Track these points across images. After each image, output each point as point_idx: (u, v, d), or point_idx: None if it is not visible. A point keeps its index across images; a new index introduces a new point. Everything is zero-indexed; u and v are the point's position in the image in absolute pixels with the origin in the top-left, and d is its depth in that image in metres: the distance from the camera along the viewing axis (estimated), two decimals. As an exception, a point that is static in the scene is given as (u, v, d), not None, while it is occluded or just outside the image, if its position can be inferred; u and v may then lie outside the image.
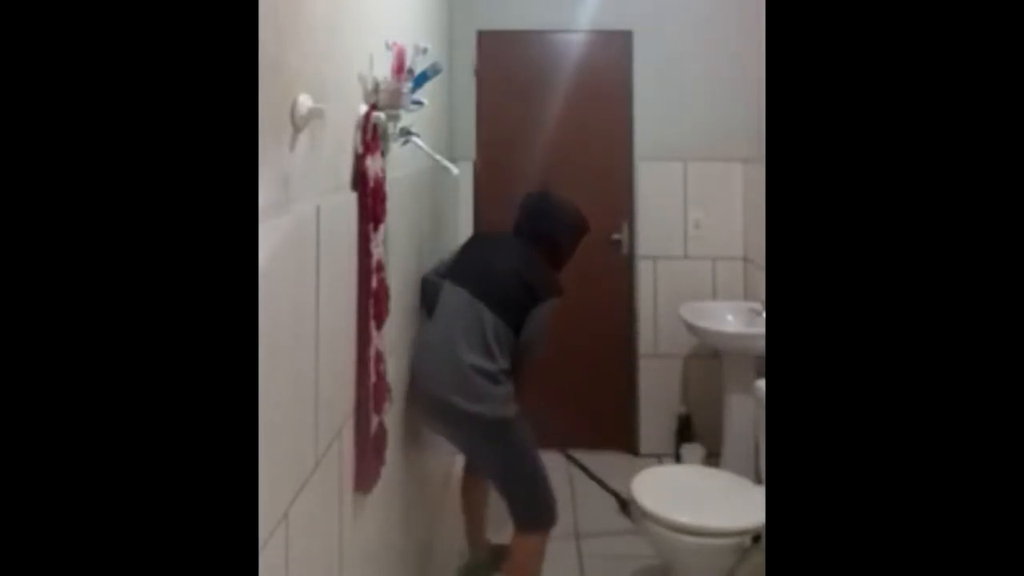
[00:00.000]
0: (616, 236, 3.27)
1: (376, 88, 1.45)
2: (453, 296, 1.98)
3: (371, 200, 1.36)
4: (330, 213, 1.18)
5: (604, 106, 3.25)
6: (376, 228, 1.39)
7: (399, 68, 1.54)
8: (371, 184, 1.35)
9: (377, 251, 1.40)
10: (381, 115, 1.41)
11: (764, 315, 2.66)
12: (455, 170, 1.92)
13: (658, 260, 3.24)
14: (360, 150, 1.34)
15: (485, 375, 1.88)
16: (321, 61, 1.12)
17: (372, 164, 1.36)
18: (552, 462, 3.12)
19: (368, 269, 1.36)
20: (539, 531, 1.98)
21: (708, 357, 3.17)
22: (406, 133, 1.65)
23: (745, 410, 2.63)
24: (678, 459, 3.12)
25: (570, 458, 2.87)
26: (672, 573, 2.06)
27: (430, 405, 1.92)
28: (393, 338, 1.74)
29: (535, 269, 2.04)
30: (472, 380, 1.87)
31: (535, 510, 1.97)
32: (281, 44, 0.95)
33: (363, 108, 1.37)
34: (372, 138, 1.36)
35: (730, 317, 2.86)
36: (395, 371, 1.77)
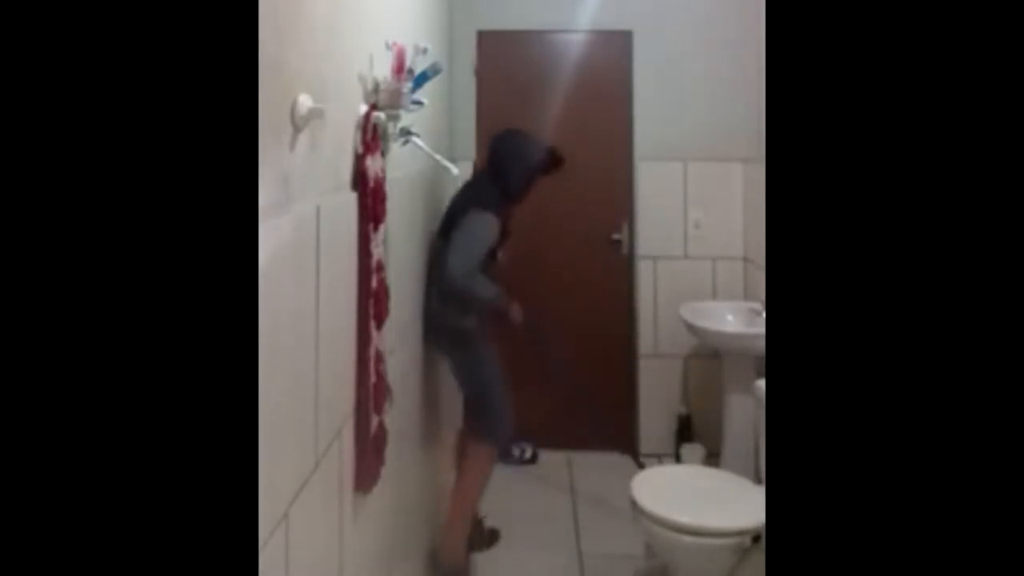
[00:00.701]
0: (616, 236, 3.27)
1: (376, 88, 1.45)
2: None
3: (371, 200, 1.36)
4: (330, 213, 1.18)
5: (604, 106, 3.25)
6: (376, 228, 1.39)
7: (399, 68, 1.54)
8: (371, 184, 1.35)
9: (377, 251, 1.40)
10: (381, 115, 1.41)
11: (764, 315, 2.66)
12: (455, 170, 1.92)
13: (658, 260, 3.24)
14: (360, 150, 1.34)
15: (441, 292, 2.23)
16: (321, 61, 1.12)
17: (372, 164, 1.36)
18: (553, 462, 3.14)
19: (368, 269, 1.36)
20: (487, 440, 2.30)
21: (708, 357, 3.17)
22: (406, 133, 1.65)
23: (745, 410, 2.63)
24: (678, 459, 3.12)
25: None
26: (672, 573, 2.06)
27: (425, 324, 2.29)
28: (393, 338, 1.74)
29: (469, 189, 2.36)
30: (439, 296, 2.25)
31: (484, 419, 2.31)
32: (281, 44, 0.95)
33: (363, 108, 1.37)
34: (372, 138, 1.36)
35: (730, 317, 2.86)
36: (395, 371, 1.77)
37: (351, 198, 1.32)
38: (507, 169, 2.34)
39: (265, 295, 0.87)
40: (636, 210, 3.25)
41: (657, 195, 3.23)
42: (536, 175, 2.39)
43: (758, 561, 1.89)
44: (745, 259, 3.19)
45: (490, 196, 2.28)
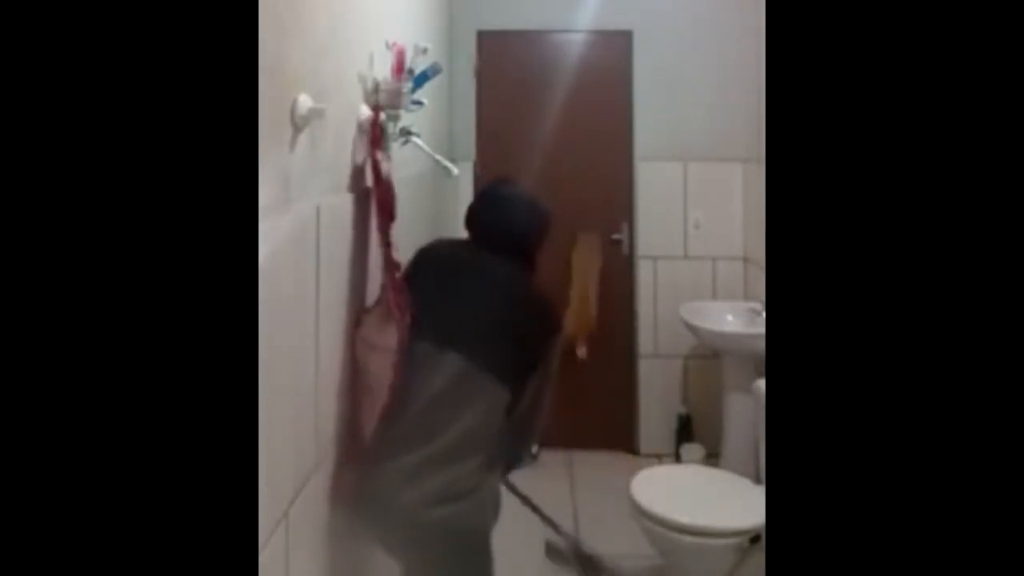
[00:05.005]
0: (616, 236, 3.26)
1: (376, 88, 1.45)
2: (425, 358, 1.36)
3: (388, 197, 1.38)
4: (330, 213, 1.17)
5: (604, 106, 3.25)
6: (391, 225, 1.40)
7: (399, 68, 1.54)
8: (386, 182, 1.37)
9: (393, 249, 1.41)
10: (382, 115, 1.41)
11: (764, 315, 2.66)
12: (455, 170, 1.92)
13: (658, 260, 3.24)
14: (369, 150, 1.35)
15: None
16: (321, 61, 1.12)
17: (385, 163, 1.38)
18: (553, 461, 3.14)
19: (393, 265, 1.37)
20: None
21: (708, 357, 3.17)
22: (406, 133, 1.65)
23: (745, 410, 2.62)
24: (678, 459, 3.12)
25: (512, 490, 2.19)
26: (672, 573, 2.06)
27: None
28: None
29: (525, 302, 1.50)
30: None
31: None
32: (281, 44, 0.95)
33: (363, 108, 1.38)
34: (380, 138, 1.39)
35: (730, 317, 2.86)
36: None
37: (352, 198, 1.32)
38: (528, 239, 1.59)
39: (265, 294, 0.87)
40: (636, 210, 3.25)
41: (657, 195, 3.23)
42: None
43: (758, 561, 1.89)
44: (745, 259, 3.19)
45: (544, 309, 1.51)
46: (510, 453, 1.47)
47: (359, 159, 1.38)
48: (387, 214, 1.36)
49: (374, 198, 1.34)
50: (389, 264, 1.35)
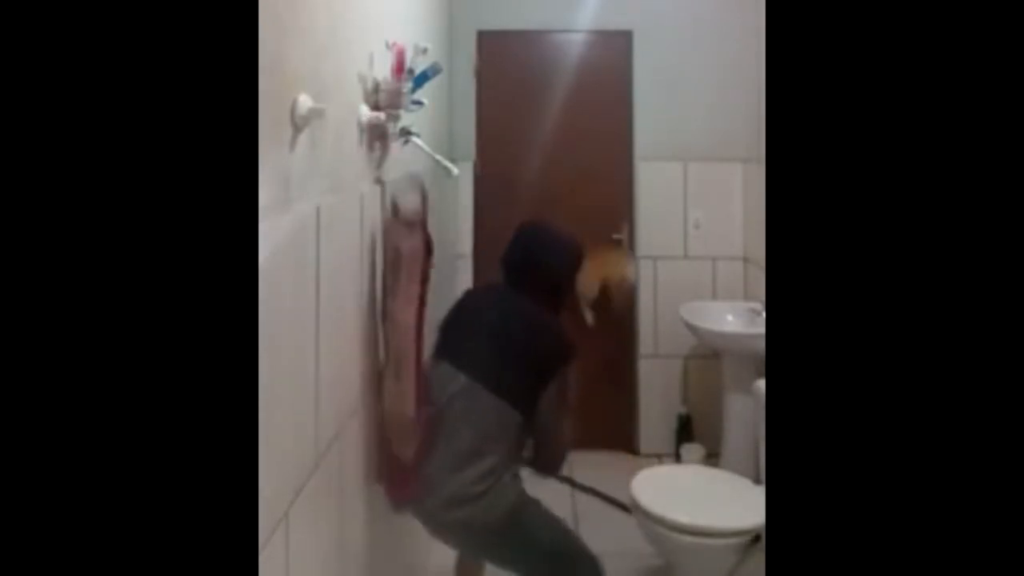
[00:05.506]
0: (616, 236, 3.27)
1: (376, 88, 1.45)
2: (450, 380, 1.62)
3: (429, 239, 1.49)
4: (330, 213, 1.18)
5: (604, 106, 3.25)
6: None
7: (399, 68, 1.54)
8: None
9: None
10: (381, 115, 1.41)
11: (764, 315, 2.66)
12: (455, 170, 1.92)
13: (658, 260, 3.24)
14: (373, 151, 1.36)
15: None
16: (321, 61, 1.12)
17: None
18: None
19: (427, 260, 1.45)
20: None
21: (708, 357, 3.17)
22: (406, 133, 1.65)
23: (745, 410, 2.62)
24: (678, 459, 3.12)
25: (575, 484, 2.67)
26: (672, 573, 2.06)
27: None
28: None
29: (541, 333, 1.68)
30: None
31: None
32: (281, 44, 0.95)
33: (363, 108, 1.38)
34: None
35: (730, 317, 2.86)
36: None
37: (353, 197, 1.32)
38: (555, 277, 1.77)
39: (265, 294, 0.87)
40: (636, 210, 3.25)
41: (657, 195, 3.23)
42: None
43: (758, 561, 1.89)
44: (745, 259, 3.19)
45: (560, 342, 1.69)
46: (539, 466, 1.71)
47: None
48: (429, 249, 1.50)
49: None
50: (425, 263, 1.48)
